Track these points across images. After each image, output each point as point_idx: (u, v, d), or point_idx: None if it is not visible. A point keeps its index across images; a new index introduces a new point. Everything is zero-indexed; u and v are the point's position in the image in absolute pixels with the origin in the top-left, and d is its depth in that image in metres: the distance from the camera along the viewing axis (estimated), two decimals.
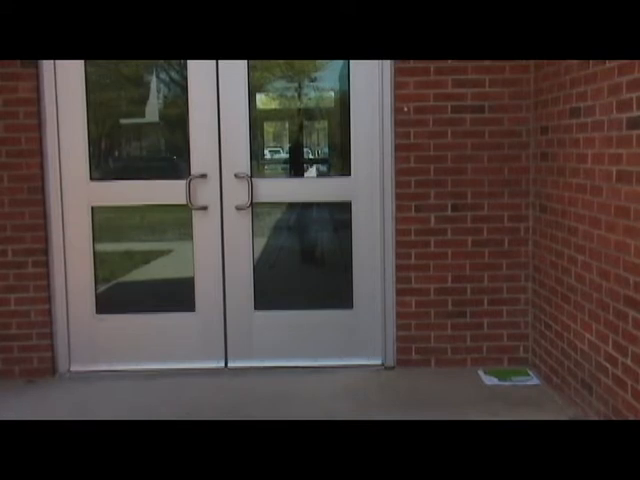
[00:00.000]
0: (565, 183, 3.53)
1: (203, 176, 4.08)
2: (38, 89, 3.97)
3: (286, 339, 4.18)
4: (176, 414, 3.47)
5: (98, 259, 4.20)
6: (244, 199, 4.07)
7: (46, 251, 4.06)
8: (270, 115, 4.52)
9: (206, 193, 4.10)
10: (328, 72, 4.39)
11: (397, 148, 4.01)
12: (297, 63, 4.32)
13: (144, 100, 4.43)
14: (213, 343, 4.18)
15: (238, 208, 4.08)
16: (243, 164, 4.09)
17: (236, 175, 4.06)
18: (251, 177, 4.07)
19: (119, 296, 4.40)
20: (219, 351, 4.18)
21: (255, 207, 4.15)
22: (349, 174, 4.12)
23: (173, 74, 4.46)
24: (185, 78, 4.10)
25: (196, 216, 4.13)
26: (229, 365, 4.18)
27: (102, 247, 4.26)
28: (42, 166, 4.01)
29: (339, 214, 4.30)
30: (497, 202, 4.03)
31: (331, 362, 4.14)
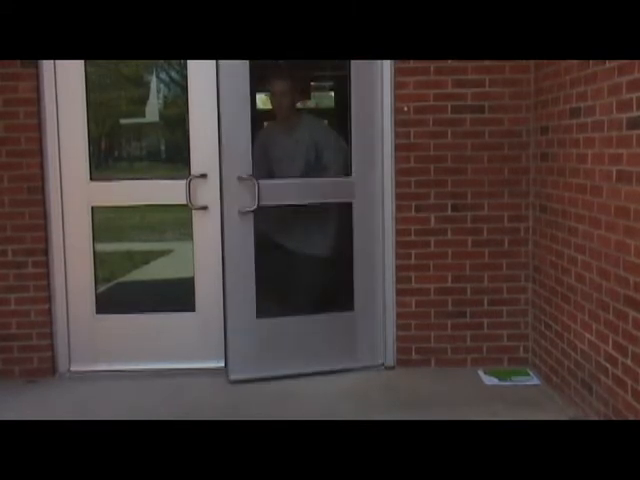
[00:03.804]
0: (565, 183, 3.53)
1: (203, 176, 4.08)
2: (38, 89, 3.97)
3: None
4: (176, 414, 3.47)
5: (98, 259, 4.19)
6: (246, 200, 3.96)
7: (46, 251, 4.06)
8: (270, 115, 4.51)
9: (206, 193, 4.09)
10: (328, 72, 4.40)
11: (397, 148, 4.01)
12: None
13: (144, 100, 4.43)
14: (213, 343, 4.17)
15: (241, 212, 3.94)
16: (244, 164, 4.02)
17: (239, 178, 3.91)
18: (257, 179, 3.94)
19: (119, 296, 4.40)
20: (219, 351, 4.18)
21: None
22: (349, 174, 4.11)
23: (173, 74, 4.46)
24: (185, 78, 4.09)
25: (196, 216, 4.13)
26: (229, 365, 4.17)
27: (102, 247, 4.26)
28: (42, 166, 4.01)
29: (339, 214, 4.29)
30: (497, 202, 4.03)
31: (331, 362, 4.13)
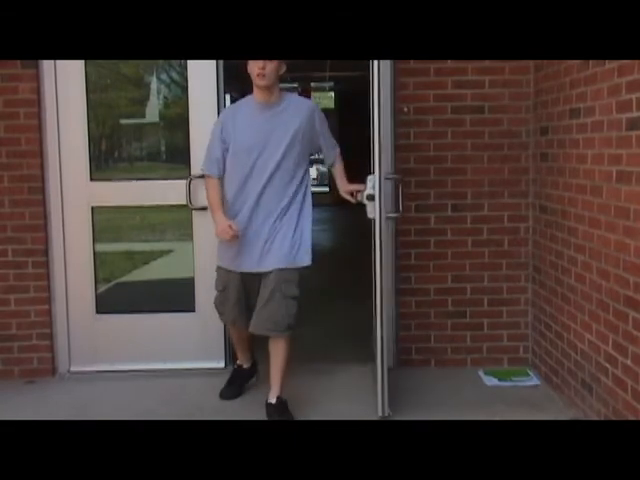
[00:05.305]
0: (565, 183, 3.53)
1: (203, 176, 4.07)
2: (38, 90, 3.97)
3: None
4: (176, 414, 3.47)
5: (98, 259, 4.19)
6: (388, 203, 3.59)
7: (46, 251, 4.06)
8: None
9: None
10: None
11: (397, 148, 4.01)
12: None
13: (144, 100, 4.43)
14: (213, 343, 4.17)
15: (389, 217, 3.56)
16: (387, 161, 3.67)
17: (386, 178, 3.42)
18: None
19: (119, 296, 4.39)
20: (219, 351, 4.18)
21: None
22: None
23: (173, 74, 4.46)
24: (185, 78, 4.09)
25: (196, 216, 4.13)
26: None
27: (102, 247, 4.26)
28: (42, 166, 4.01)
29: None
30: (497, 202, 4.03)
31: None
